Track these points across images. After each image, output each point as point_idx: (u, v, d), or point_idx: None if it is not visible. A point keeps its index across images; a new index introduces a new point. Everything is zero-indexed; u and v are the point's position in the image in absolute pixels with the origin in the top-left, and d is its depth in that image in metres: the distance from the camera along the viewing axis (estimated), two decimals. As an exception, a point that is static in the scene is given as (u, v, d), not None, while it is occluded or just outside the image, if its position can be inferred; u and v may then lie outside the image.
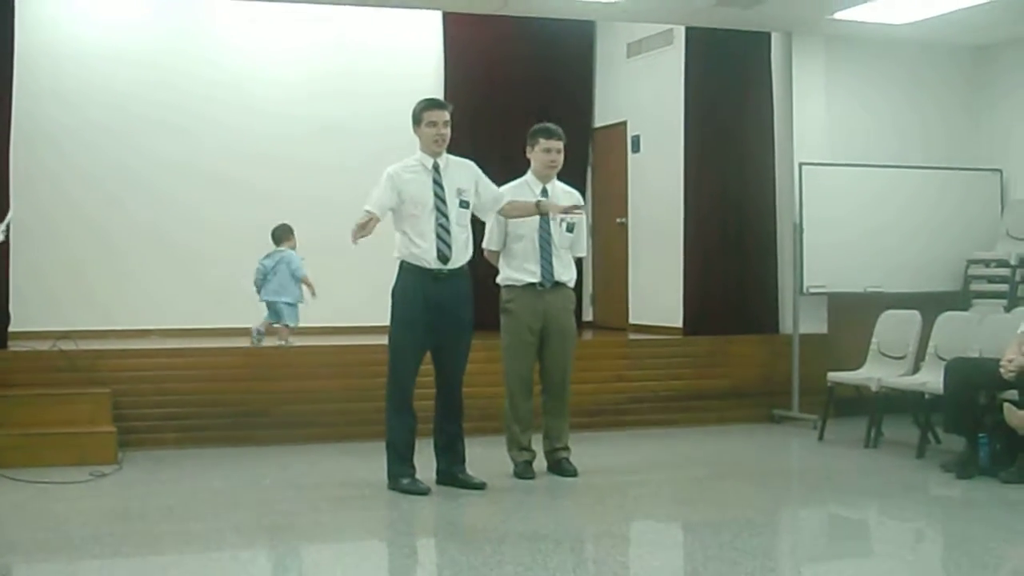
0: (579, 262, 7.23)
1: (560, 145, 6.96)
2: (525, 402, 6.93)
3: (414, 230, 6.46)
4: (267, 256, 8.99)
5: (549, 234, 6.88)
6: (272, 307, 8.98)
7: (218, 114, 10.56)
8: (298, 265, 8.95)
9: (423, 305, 6.44)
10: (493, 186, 6.75)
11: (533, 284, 6.86)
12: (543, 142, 6.95)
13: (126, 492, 6.67)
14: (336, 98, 10.83)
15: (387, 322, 6.59)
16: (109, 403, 7.81)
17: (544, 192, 6.93)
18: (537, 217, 6.83)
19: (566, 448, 7.05)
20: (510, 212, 6.77)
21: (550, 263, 6.87)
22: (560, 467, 6.99)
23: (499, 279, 7.00)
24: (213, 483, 6.92)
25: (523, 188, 6.97)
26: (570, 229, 6.95)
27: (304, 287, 8.99)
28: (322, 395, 8.41)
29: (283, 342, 8.90)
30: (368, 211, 6.36)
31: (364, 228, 6.26)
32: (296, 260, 8.95)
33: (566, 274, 6.96)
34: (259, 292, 8.99)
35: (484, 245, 6.99)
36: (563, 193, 7.02)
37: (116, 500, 6.48)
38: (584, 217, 7.11)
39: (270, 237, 9.06)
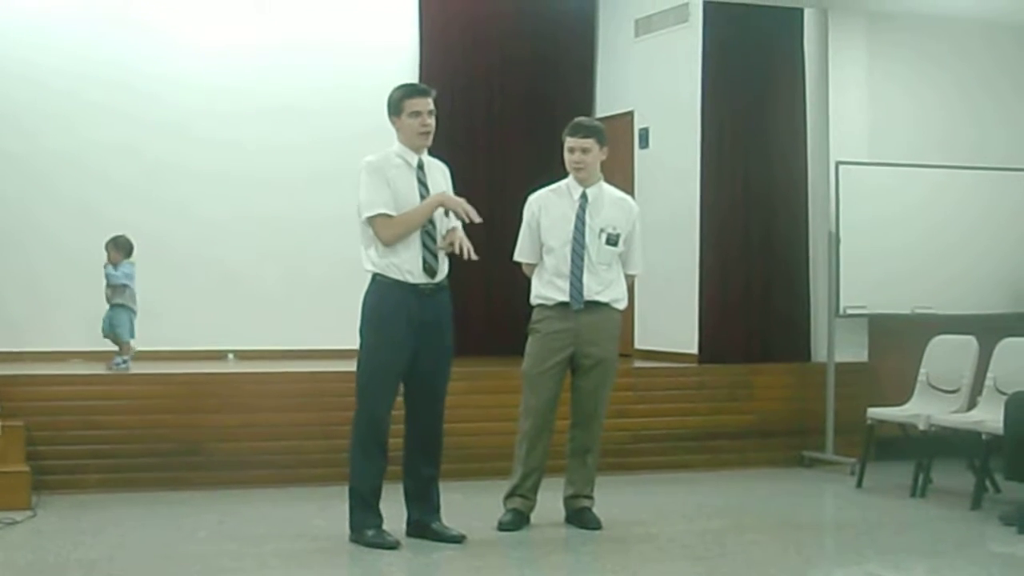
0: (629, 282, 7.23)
1: (586, 143, 6.98)
2: (535, 440, 6.96)
3: None
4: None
5: (582, 246, 6.93)
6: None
7: (138, 89, 10.49)
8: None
9: (406, 325, 6.44)
10: None
11: (565, 303, 6.93)
12: (567, 140, 7.03)
13: (41, 543, 6.64)
14: (284, 78, 10.79)
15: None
16: (22, 438, 7.79)
17: (584, 197, 6.99)
18: (570, 227, 6.92)
19: (589, 497, 7.10)
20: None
21: (580, 279, 6.91)
22: (581, 518, 7.03)
23: (531, 299, 7.07)
24: (143, 533, 6.90)
25: (560, 192, 7.07)
26: (612, 242, 6.99)
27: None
28: (270, 431, 8.41)
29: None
30: (382, 214, 6.36)
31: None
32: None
33: (606, 293, 6.99)
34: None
35: (516, 257, 7.10)
36: (610, 201, 7.08)
37: (29, 553, 6.45)
38: (636, 228, 7.14)
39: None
